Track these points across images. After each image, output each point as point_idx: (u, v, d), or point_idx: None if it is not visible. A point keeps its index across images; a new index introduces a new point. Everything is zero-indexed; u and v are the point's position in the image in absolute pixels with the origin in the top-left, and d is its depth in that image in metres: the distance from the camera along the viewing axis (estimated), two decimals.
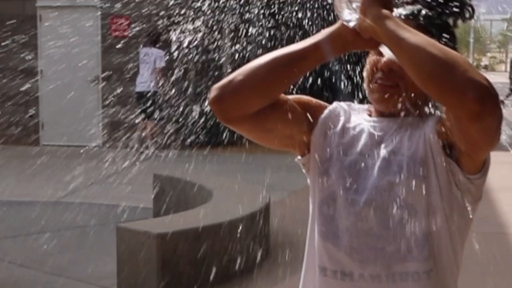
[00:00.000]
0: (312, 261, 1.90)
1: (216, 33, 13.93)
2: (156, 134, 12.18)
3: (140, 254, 5.13)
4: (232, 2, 13.65)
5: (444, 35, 1.79)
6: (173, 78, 12.86)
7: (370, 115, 1.90)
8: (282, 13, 12.97)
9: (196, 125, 12.68)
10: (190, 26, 12.93)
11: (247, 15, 15.11)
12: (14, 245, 6.64)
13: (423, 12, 1.81)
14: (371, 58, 1.85)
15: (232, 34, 14.74)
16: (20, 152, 12.48)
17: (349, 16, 1.70)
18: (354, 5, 1.69)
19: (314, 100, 1.95)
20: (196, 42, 13.32)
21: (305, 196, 2.01)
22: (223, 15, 14.27)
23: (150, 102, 11.72)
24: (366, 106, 1.95)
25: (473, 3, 1.85)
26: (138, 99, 12.00)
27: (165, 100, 12.20)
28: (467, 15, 1.84)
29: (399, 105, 1.80)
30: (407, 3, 1.84)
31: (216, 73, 13.56)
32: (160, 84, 11.77)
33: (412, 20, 1.78)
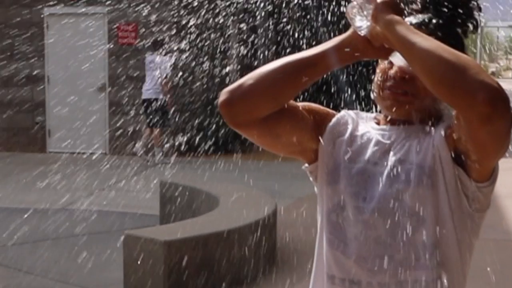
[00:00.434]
0: (321, 269, 1.90)
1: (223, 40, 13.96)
2: (163, 141, 12.18)
3: (146, 261, 5.13)
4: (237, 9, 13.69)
5: (454, 42, 1.78)
6: (179, 85, 12.88)
7: (378, 124, 1.91)
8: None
9: (203, 132, 12.68)
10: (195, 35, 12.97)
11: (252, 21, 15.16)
12: (20, 252, 6.64)
13: (434, 21, 1.81)
14: (381, 66, 1.85)
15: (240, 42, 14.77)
16: (27, 159, 12.51)
17: (361, 23, 1.71)
18: (365, 12, 1.70)
19: (322, 107, 1.95)
20: (201, 50, 13.36)
21: (312, 204, 2.01)
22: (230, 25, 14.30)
23: (156, 109, 11.73)
24: (373, 114, 1.95)
25: (480, 13, 1.85)
26: (144, 106, 12.02)
27: (172, 107, 12.21)
28: (472, 28, 1.85)
29: (410, 113, 1.80)
30: (417, 12, 1.84)
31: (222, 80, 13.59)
32: (165, 91, 11.78)
33: (423, 29, 1.78)
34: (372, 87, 1.87)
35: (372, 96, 1.87)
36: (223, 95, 1.77)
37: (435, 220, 1.75)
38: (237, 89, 1.76)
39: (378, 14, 1.68)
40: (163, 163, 11.96)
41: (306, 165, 1.96)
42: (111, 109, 13.11)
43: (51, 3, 13.13)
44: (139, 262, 5.18)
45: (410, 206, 1.76)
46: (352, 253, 1.81)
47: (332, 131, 1.90)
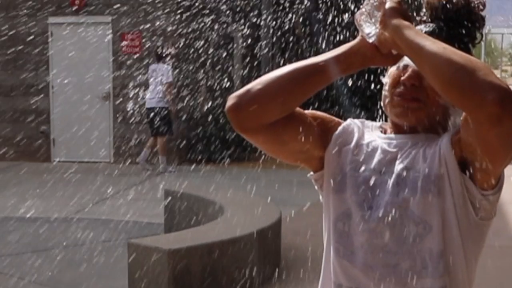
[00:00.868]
0: (328, 278, 1.90)
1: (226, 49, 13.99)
2: (167, 149, 12.19)
3: (151, 270, 5.13)
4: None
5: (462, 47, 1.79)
6: (183, 93, 12.90)
7: (384, 133, 1.91)
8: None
9: (207, 140, 12.70)
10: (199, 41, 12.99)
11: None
12: (26, 261, 6.64)
13: (443, 30, 1.82)
14: (391, 73, 1.85)
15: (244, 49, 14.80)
16: (32, 168, 12.52)
17: (369, 29, 1.73)
18: (373, 19, 1.72)
19: (328, 116, 1.96)
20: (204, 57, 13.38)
21: (316, 211, 2.01)
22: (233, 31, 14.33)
23: (160, 118, 11.74)
24: (379, 123, 1.95)
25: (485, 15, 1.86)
26: (148, 115, 12.05)
27: (175, 114, 12.22)
28: (477, 41, 1.86)
29: (419, 120, 1.81)
30: (425, 22, 1.85)
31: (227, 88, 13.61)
32: (167, 98, 11.80)
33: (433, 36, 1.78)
34: (382, 95, 1.87)
35: (382, 104, 1.87)
36: (231, 99, 1.77)
37: (441, 228, 1.75)
38: (245, 94, 1.77)
39: (387, 19, 1.69)
40: (168, 172, 11.96)
41: (311, 173, 1.97)
42: (115, 118, 13.12)
43: (55, 12, 13.18)
44: (143, 271, 5.18)
45: (417, 215, 1.76)
46: (358, 261, 1.81)
47: (338, 140, 1.90)
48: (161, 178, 11.28)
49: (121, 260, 5.80)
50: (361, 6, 1.76)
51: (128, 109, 12.88)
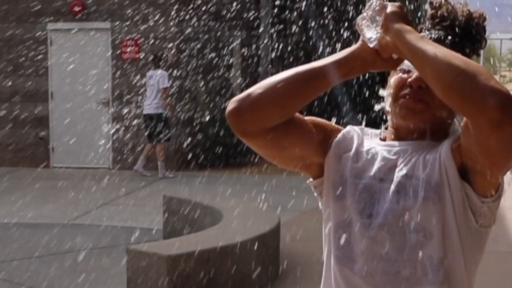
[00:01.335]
0: (329, 285, 1.90)
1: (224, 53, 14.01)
2: (165, 155, 12.19)
3: (150, 276, 5.13)
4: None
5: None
6: (182, 98, 12.91)
7: (383, 140, 1.91)
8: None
9: (206, 146, 12.70)
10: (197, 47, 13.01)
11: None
12: (25, 267, 6.63)
13: (449, 38, 1.83)
14: (395, 77, 1.86)
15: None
16: (31, 174, 12.52)
17: (371, 34, 1.73)
18: (375, 24, 1.73)
19: (328, 122, 1.95)
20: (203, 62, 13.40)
21: (315, 217, 2.02)
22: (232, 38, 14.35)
23: (157, 124, 11.75)
24: (378, 131, 1.95)
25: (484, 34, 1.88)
26: (145, 121, 12.06)
27: (173, 119, 12.23)
28: (479, 51, 1.88)
29: (424, 121, 1.81)
30: (428, 30, 1.86)
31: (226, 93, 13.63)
32: (163, 104, 11.80)
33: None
34: (385, 99, 1.87)
35: (386, 107, 1.87)
36: (232, 104, 1.77)
37: (442, 235, 1.75)
38: (246, 98, 1.76)
39: (389, 23, 1.70)
40: (167, 178, 11.96)
41: (311, 179, 1.96)
42: (114, 124, 13.13)
43: (55, 18, 13.19)
44: (142, 277, 5.18)
45: (417, 222, 1.75)
46: (359, 269, 1.81)
47: (338, 147, 1.90)
48: (160, 184, 11.28)
49: (120, 266, 5.79)
50: (362, 11, 1.76)
51: (127, 115, 12.88)
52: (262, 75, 14.77)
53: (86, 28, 13.12)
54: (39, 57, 13.28)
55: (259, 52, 15.24)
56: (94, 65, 13.02)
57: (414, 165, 1.79)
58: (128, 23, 12.91)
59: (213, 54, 13.89)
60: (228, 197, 7.56)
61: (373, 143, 1.90)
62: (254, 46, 15.19)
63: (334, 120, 1.99)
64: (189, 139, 12.88)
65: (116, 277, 5.93)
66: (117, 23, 12.98)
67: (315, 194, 1.98)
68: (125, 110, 12.93)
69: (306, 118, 1.89)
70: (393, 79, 1.86)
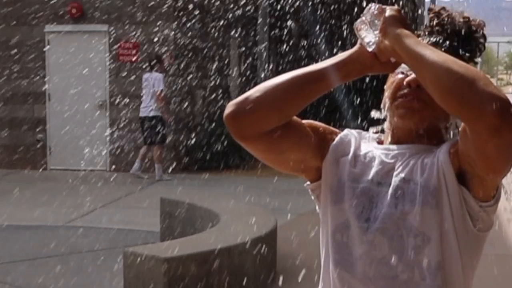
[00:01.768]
0: None
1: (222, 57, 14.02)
2: (162, 157, 12.19)
3: (147, 278, 5.12)
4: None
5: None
6: (178, 101, 12.91)
7: (380, 144, 1.91)
8: None
9: (203, 148, 12.70)
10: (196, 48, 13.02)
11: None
12: (22, 269, 6.63)
13: (447, 42, 1.83)
14: (393, 78, 1.86)
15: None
16: (28, 176, 12.51)
17: (369, 38, 1.74)
18: (373, 28, 1.73)
19: (325, 126, 1.95)
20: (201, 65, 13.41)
21: (312, 220, 2.02)
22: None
23: (153, 126, 11.74)
24: (375, 135, 1.95)
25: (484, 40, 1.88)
26: (141, 124, 12.06)
27: (168, 121, 12.22)
28: (478, 54, 1.88)
29: (423, 121, 1.81)
30: (429, 34, 1.86)
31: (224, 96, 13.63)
32: (158, 106, 11.79)
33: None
34: (383, 101, 1.88)
35: (384, 109, 1.87)
36: (230, 107, 1.77)
37: (439, 239, 1.76)
38: (244, 102, 1.76)
39: (387, 27, 1.70)
40: (164, 180, 11.95)
41: (308, 183, 1.96)
42: (111, 126, 13.12)
43: (52, 20, 13.19)
44: (139, 279, 5.17)
45: (415, 226, 1.76)
46: (357, 272, 1.81)
47: (335, 150, 1.90)
48: (157, 187, 11.27)
49: (117, 268, 5.79)
50: (361, 15, 1.77)
51: (124, 117, 12.88)
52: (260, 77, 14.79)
53: (84, 30, 13.12)
54: (36, 58, 13.28)
55: (256, 56, 15.25)
56: (92, 67, 13.01)
57: (412, 169, 1.79)
58: (125, 26, 12.91)
59: (210, 55, 13.90)
60: (225, 200, 7.55)
61: (370, 147, 1.90)
62: (253, 48, 15.20)
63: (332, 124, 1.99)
64: (186, 141, 12.88)
65: (113, 279, 5.92)
66: (114, 25, 12.98)
67: (313, 197, 1.98)
68: (122, 113, 12.93)
69: (304, 121, 1.89)
70: (389, 82, 1.87)
